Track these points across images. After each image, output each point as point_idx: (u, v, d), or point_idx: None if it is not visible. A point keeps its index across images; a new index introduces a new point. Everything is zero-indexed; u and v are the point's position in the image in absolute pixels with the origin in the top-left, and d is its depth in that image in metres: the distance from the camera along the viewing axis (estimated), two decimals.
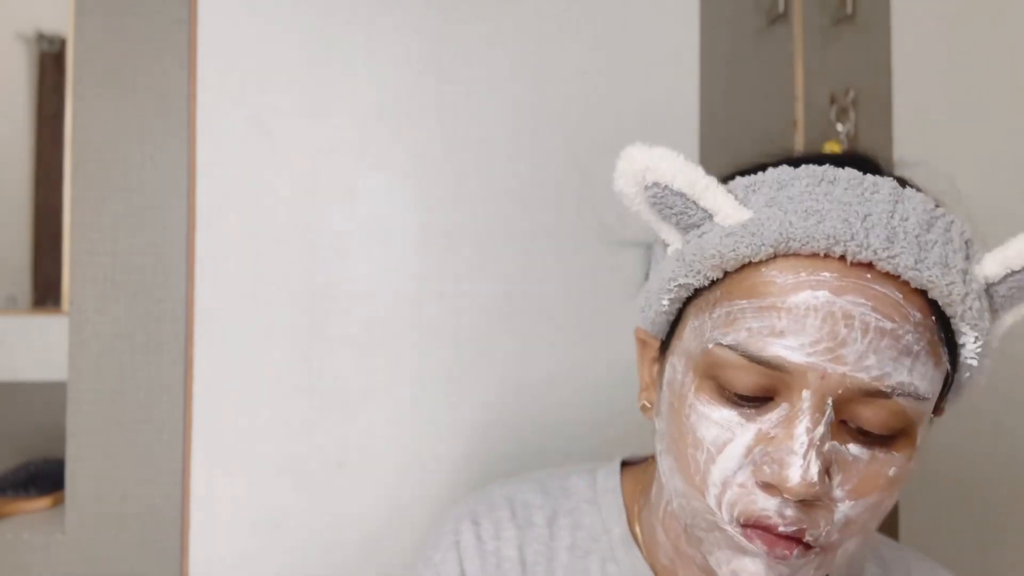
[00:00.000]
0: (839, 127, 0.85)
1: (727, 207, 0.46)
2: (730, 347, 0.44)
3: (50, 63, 1.18)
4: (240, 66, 0.81)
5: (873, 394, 0.42)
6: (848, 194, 0.45)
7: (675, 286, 0.49)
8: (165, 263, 0.79)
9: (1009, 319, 0.47)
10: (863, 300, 0.42)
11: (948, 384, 0.47)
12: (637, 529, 0.58)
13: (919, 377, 0.43)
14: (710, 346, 0.46)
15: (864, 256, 0.42)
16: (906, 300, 0.43)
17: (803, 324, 0.42)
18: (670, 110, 0.92)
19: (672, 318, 0.51)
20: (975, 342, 0.45)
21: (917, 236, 0.43)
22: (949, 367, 0.46)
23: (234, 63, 0.81)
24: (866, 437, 0.44)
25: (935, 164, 0.79)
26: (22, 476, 0.91)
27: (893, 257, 0.42)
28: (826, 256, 0.43)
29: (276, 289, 0.81)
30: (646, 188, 0.47)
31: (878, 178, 0.45)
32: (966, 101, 0.75)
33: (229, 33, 0.81)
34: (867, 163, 0.50)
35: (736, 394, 0.45)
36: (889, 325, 0.42)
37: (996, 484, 0.72)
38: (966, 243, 0.45)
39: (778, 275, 0.44)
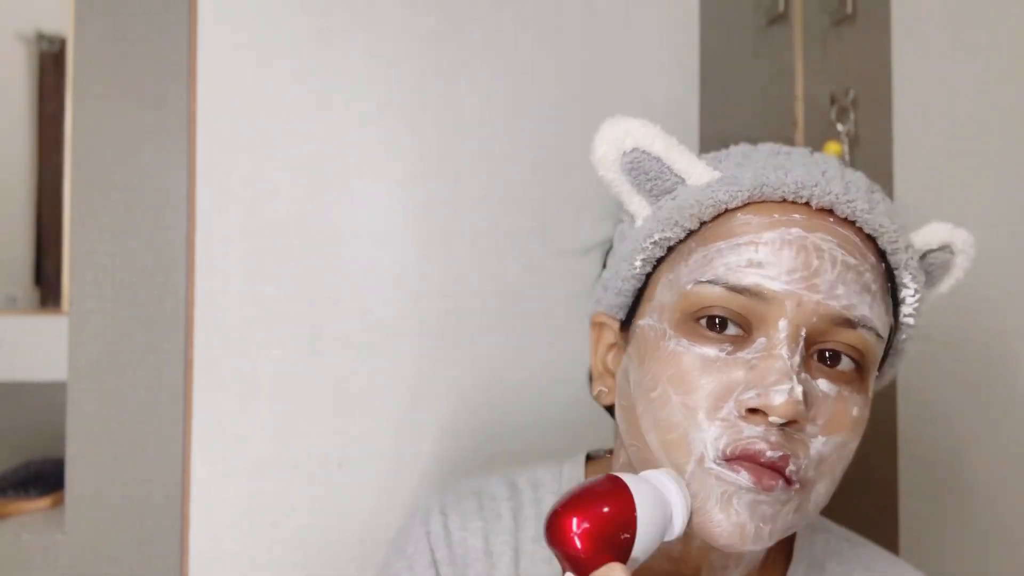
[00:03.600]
0: (839, 127, 0.85)
1: (699, 169, 0.51)
2: (710, 281, 0.47)
3: (50, 63, 1.18)
4: (240, 66, 0.81)
5: (841, 323, 0.46)
6: (804, 158, 0.51)
7: (650, 243, 0.51)
8: (165, 263, 0.79)
9: (929, 299, 0.53)
10: (830, 237, 0.47)
11: (890, 343, 0.51)
12: None
13: (876, 315, 0.47)
14: (688, 287, 0.48)
15: (826, 201, 0.47)
16: (863, 244, 0.48)
17: (779, 255, 0.46)
18: (670, 110, 0.92)
19: (640, 285, 0.54)
20: (914, 295, 0.50)
21: (866, 190, 0.49)
22: (892, 322, 0.50)
23: (234, 63, 0.81)
24: (833, 374, 0.47)
25: (935, 163, 0.80)
26: (22, 476, 0.91)
27: (851, 202, 0.47)
28: (793, 202, 0.48)
29: (276, 289, 0.81)
30: (625, 154, 0.52)
31: (824, 154, 0.52)
32: (966, 101, 0.75)
33: (229, 33, 0.81)
34: None
35: (714, 332, 0.47)
36: (852, 261, 0.46)
37: (996, 484, 0.73)
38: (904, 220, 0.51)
39: (753, 217, 0.48)
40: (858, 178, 0.50)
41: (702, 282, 0.47)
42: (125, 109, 0.79)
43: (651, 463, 0.49)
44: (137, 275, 0.78)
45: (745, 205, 0.48)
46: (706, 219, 0.49)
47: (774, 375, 0.44)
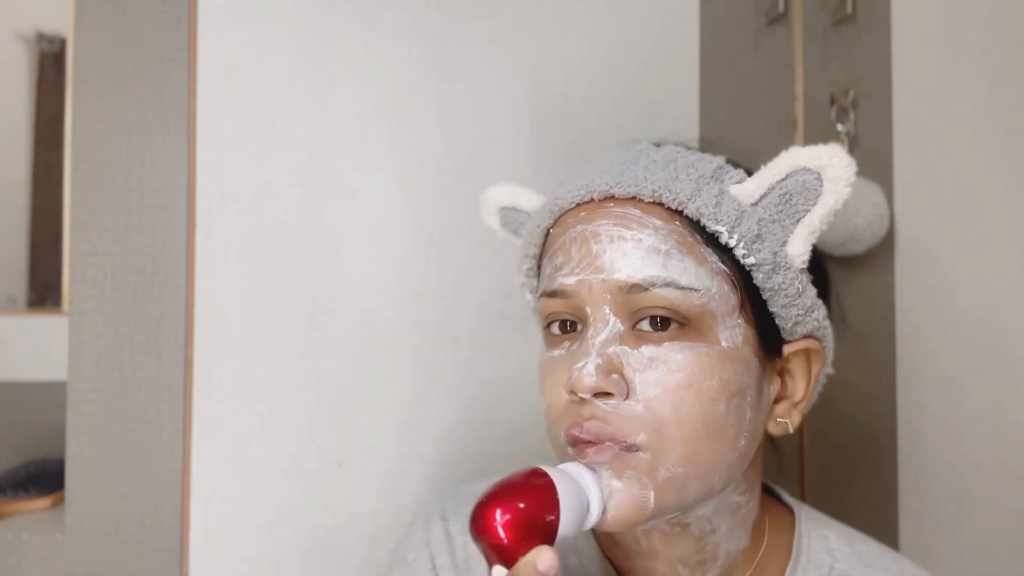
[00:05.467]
0: (839, 127, 0.85)
1: (534, 201, 0.62)
2: (542, 294, 0.54)
3: (50, 63, 1.18)
4: (240, 66, 0.81)
5: (633, 290, 0.49)
6: (607, 158, 0.56)
7: (523, 271, 0.61)
8: (165, 263, 0.79)
9: (800, 229, 0.51)
10: (606, 220, 0.51)
11: (748, 281, 0.52)
12: None
13: (676, 271, 0.49)
14: (538, 302, 0.55)
15: (601, 190, 0.52)
16: (645, 213, 0.51)
17: (569, 254, 0.52)
18: (670, 110, 0.92)
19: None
20: (731, 235, 0.50)
21: (645, 167, 0.52)
22: (733, 266, 0.51)
23: (234, 63, 0.81)
24: (663, 337, 0.49)
25: (935, 164, 0.79)
26: (22, 476, 0.91)
27: (623, 182, 0.51)
28: (581, 203, 0.53)
29: (276, 289, 0.81)
30: (498, 212, 0.64)
31: (643, 144, 0.56)
32: (966, 101, 0.75)
33: (229, 33, 0.81)
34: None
35: (561, 334, 0.54)
36: (628, 233, 0.50)
37: (996, 485, 0.72)
38: (717, 168, 0.53)
39: (556, 229, 0.55)
40: (655, 158, 0.53)
41: (540, 296, 0.55)
42: (125, 109, 0.79)
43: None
44: (137, 275, 0.78)
45: (556, 221, 0.55)
46: (539, 243, 0.58)
47: (580, 357, 0.49)
